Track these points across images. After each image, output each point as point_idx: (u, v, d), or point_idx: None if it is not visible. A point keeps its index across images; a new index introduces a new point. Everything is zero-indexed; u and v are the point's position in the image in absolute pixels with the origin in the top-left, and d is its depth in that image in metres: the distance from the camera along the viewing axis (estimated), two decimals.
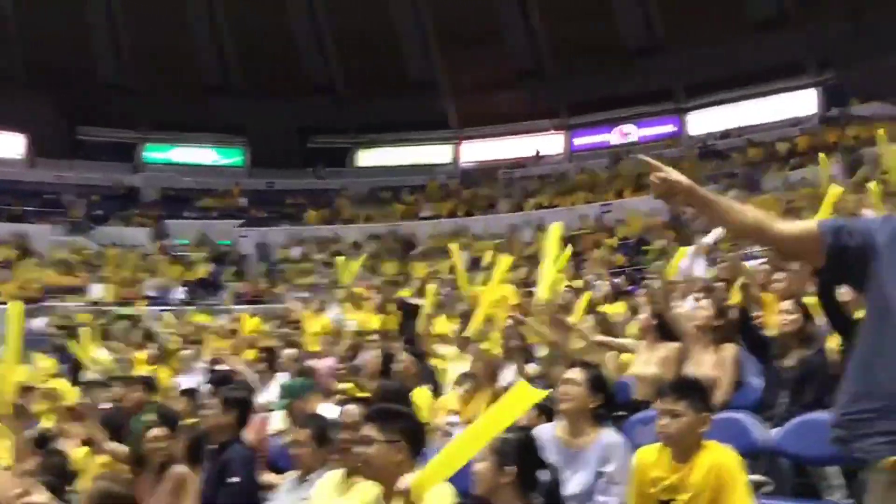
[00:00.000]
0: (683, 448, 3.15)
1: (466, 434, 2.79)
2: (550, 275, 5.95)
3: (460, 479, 2.86)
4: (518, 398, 2.75)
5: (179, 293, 21.92)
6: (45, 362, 11.14)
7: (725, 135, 24.91)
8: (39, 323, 19.34)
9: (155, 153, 30.84)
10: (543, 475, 2.83)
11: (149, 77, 28.97)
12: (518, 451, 2.82)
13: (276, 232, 26.15)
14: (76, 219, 26.71)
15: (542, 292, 5.86)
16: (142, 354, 8.10)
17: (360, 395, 5.43)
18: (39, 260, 24.32)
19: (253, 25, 28.50)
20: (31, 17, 27.76)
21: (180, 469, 4.21)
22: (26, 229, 25.61)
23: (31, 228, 25.76)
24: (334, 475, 3.52)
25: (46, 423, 6.91)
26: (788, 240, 2.28)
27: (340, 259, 12.89)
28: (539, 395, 2.80)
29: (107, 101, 28.92)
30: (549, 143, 28.68)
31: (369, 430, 3.01)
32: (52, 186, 28.22)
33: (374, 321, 8.98)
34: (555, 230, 6.34)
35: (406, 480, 2.75)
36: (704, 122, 26.43)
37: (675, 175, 2.26)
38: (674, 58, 25.17)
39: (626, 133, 27.56)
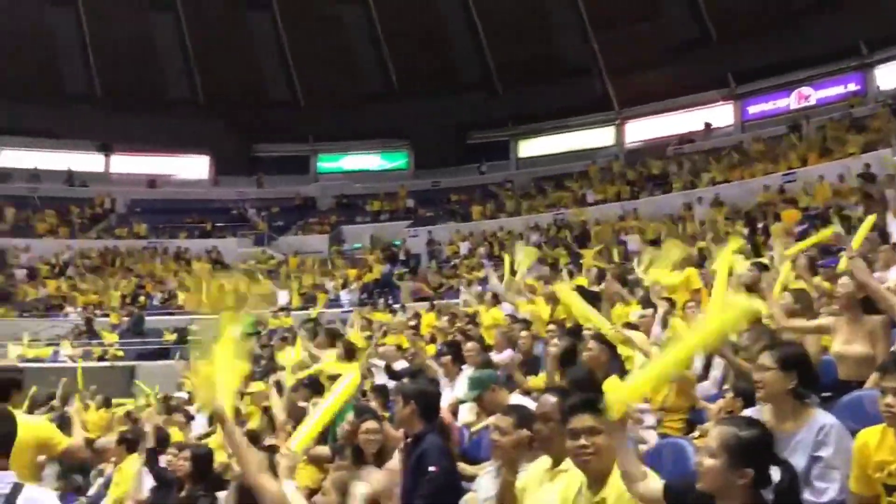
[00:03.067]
0: None
1: (675, 347, 2.65)
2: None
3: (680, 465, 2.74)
4: (730, 308, 2.59)
5: (357, 294, 22.86)
6: (242, 367, 11.93)
7: None
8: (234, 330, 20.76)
9: (327, 163, 32.38)
10: (776, 473, 2.59)
11: (315, 91, 30.43)
12: (755, 450, 2.55)
13: (444, 229, 26.65)
14: (259, 231, 28.55)
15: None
16: (331, 354, 8.46)
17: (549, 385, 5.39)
18: (230, 271, 26.20)
19: (406, 28, 29.18)
20: (206, 47, 29.96)
21: (395, 462, 4.39)
22: (216, 244, 27.72)
23: (221, 243, 27.85)
24: (541, 464, 3.50)
25: (252, 424, 7.39)
26: None
27: (509, 257, 12.86)
28: (754, 304, 2.63)
29: (278, 118, 30.68)
30: (719, 115, 27.29)
31: (591, 421, 2.96)
32: (235, 202, 30.34)
33: (547, 312, 8.89)
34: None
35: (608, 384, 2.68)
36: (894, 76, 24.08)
37: None
38: (853, 10, 23.15)
39: (805, 96, 25.68)
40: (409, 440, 4.28)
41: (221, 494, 5.16)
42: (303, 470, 5.39)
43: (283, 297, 23.37)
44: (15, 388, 4.69)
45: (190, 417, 8.61)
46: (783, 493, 2.51)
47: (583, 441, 2.94)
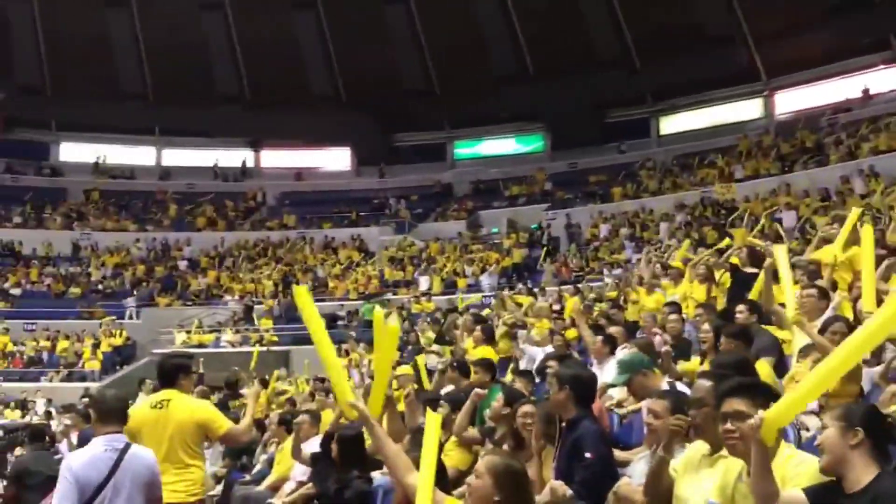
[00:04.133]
0: None
1: (830, 359, 2.57)
2: None
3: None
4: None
5: (496, 279, 22.96)
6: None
7: None
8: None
9: (463, 149, 32.64)
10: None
11: (449, 78, 30.67)
12: (865, 416, 2.63)
13: (583, 212, 26.25)
14: (401, 218, 29.22)
15: None
16: (471, 340, 8.53)
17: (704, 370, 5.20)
18: (375, 258, 27.02)
19: (540, 8, 28.80)
20: (345, 42, 30.81)
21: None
22: (360, 232, 28.63)
23: (365, 231, 28.75)
24: (698, 449, 3.41)
25: (399, 407, 7.58)
26: None
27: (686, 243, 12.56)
28: None
29: (415, 108, 31.18)
30: (880, 80, 25.24)
31: (739, 405, 2.90)
32: (376, 192, 31.18)
33: (699, 293, 8.56)
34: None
35: (760, 414, 2.64)
36: None
37: None
38: None
39: None
40: (563, 425, 4.26)
41: (377, 474, 5.30)
42: (452, 451, 5.47)
43: (424, 283, 23.86)
44: (182, 372, 4.98)
45: None
46: None
47: (728, 425, 2.92)
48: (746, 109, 28.25)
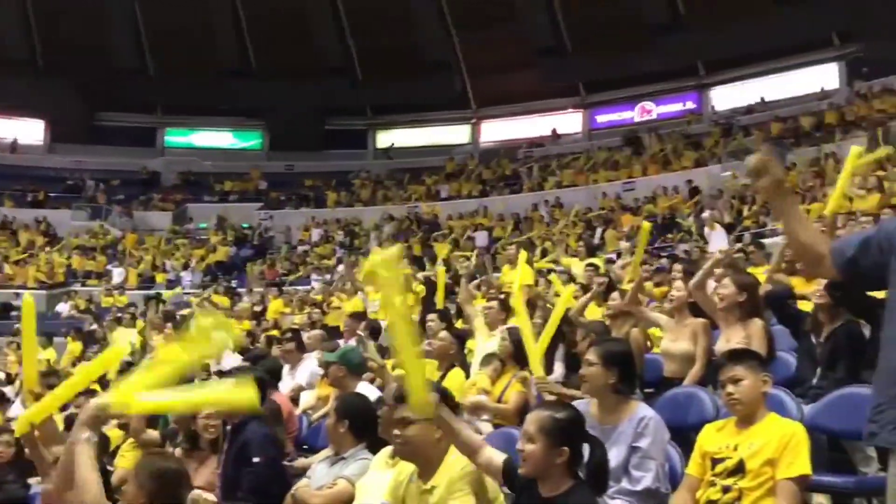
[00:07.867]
0: (750, 412, 3.20)
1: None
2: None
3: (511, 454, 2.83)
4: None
5: (200, 276, 22.07)
6: (73, 346, 11.32)
7: (750, 110, 24.57)
8: (64, 307, 19.59)
9: (175, 137, 30.93)
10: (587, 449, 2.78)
11: (167, 61, 29.01)
12: (570, 430, 2.75)
13: (296, 214, 26.19)
14: (97, 203, 26.92)
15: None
16: (161, 337, 8.12)
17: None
18: (62, 245, 24.58)
19: (269, 7, 28.38)
20: (50, 4, 27.83)
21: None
22: (48, 215, 25.88)
23: (53, 214, 26.02)
24: (384, 450, 3.54)
25: (75, 408, 6.98)
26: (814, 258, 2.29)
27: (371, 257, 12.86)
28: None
29: (125, 86, 29.00)
30: (569, 122, 28.45)
31: (402, 412, 3.00)
32: (71, 172, 28.41)
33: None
34: None
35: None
36: (727, 97, 26.08)
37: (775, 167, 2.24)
38: (695, 34, 24.88)
39: (648, 110, 27.25)
40: (229, 427, 4.19)
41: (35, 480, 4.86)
42: (127, 454, 5.18)
43: (117, 275, 22.22)
44: None
45: (5, 399, 7.99)
46: (596, 466, 2.73)
47: (395, 431, 3.03)
48: (456, 134, 30.18)
